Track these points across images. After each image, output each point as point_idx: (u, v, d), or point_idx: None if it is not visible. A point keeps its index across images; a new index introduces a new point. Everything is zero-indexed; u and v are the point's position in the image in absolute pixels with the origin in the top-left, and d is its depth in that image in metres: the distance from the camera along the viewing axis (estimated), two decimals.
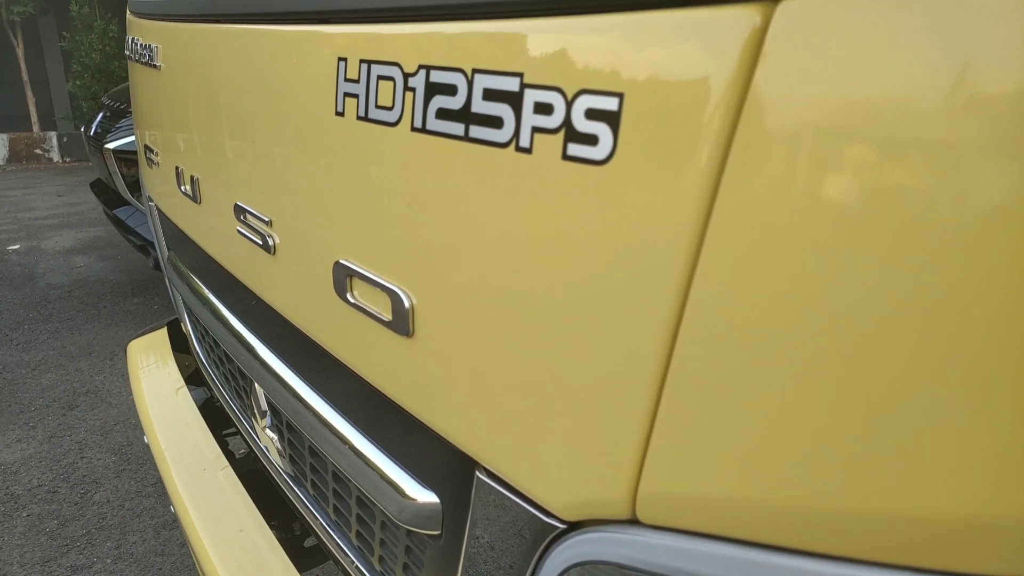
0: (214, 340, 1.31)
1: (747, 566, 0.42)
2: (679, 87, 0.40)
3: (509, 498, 0.58)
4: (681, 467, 0.44)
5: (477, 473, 0.62)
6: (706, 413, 0.42)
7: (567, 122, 0.46)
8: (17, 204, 7.21)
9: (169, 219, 1.35)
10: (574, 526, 0.54)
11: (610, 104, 0.43)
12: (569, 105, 0.45)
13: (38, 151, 10.15)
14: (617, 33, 0.43)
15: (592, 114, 0.44)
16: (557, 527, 0.55)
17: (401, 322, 0.64)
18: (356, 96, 0.64)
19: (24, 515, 2.48)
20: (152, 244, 3.72)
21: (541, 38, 0.48)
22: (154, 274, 4.76)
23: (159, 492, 2.60)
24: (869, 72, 0.33)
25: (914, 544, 0.36)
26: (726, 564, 0.43)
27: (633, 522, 0.49)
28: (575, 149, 0.46)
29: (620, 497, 0.48)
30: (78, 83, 9.51)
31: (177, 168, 1.15)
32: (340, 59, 0.66)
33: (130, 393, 3.27)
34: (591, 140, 0.45)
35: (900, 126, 0.33)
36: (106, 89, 8.82)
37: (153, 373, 1.63)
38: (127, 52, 1.47)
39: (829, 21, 0.34)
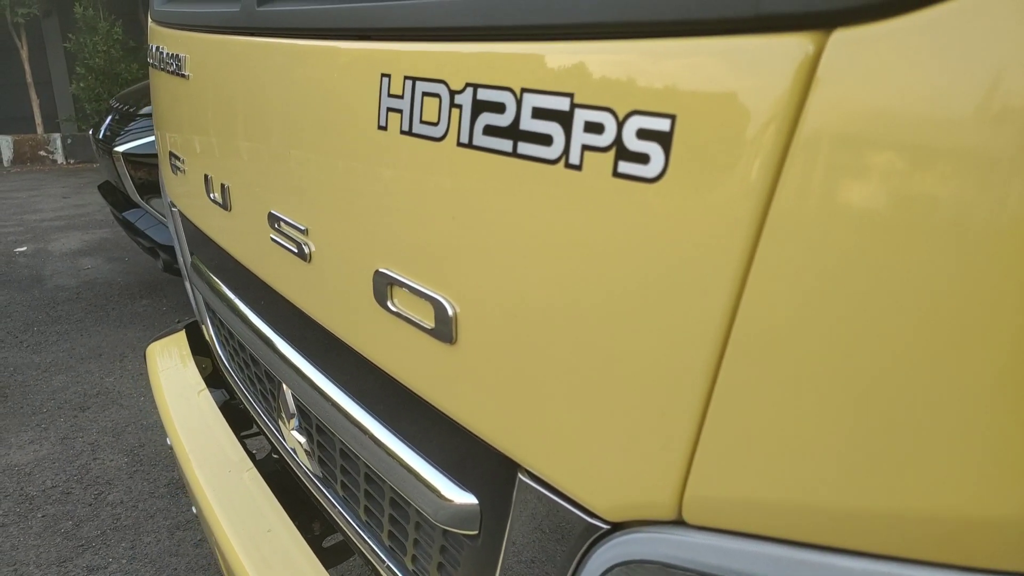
0: (239, 343, 1.33)
1: (795, 566, 0.44)
2: (731, 110, 0.42)
3: (552, 500, 0.60)
4: (730, 469, 0.46)
5: (519, 475, 0.64)
6: (755, 417, 0.44)
7: (618, 141, 0.48)
8: (23, 206, 7.24)
9: (195, 225, 1.37)
10: (617, 527, 0.56)
11: (662, 125, 0.45)
12: (620, 125, 0.48)
13: (42, 153, 10.18)
14: (669, 57, 0.45)
15: (643, 134, 0.46)
16: (601, 528, 0.57)
17: (444, 330, 0.66)
18: (400, 111, 0.66)
19: (39, 516, 2.50)
20: (161, 247, 3.75)
21: (592, 60, 0.50)
22: (162, 276, 4.78)
23: (172, 493, 2.63)
24: (919, 100, 0.35)
25: (967, 542, 0.38)
26: (774, 564, 0.45)
27: (678, 523, 0.51)
28: (626, 167, 0.48)
29: (666, 499, 0.51)
30: (82, 85, 9.55)
31: (206, 176, 1.17)
32: (383, 75, 0.68)
33: (141, 395, 3.31)
34: (642, 159, 0.47)
35: (950, 150, 0.35)
36: (110, 91, 8.86)
37: (173, 376, 1.65)
38: (149, 60, 1.49)
39: (882, 50, 0.36)
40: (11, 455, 2.86)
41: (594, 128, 0.49)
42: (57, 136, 10.32)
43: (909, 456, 0.38)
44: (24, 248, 5.66)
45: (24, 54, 10.19)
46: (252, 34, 0.94)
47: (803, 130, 0.39)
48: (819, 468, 0.42)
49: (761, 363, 0.43)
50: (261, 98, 0.93)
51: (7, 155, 9.97)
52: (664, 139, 0.45)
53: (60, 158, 10.26)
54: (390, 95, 0.67)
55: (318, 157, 0.82)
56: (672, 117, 0.45)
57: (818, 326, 0.41)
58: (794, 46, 0.39)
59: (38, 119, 10.62)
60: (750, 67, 0.41)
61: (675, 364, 0.48)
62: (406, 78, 0.65)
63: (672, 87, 0.45)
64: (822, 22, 0.38)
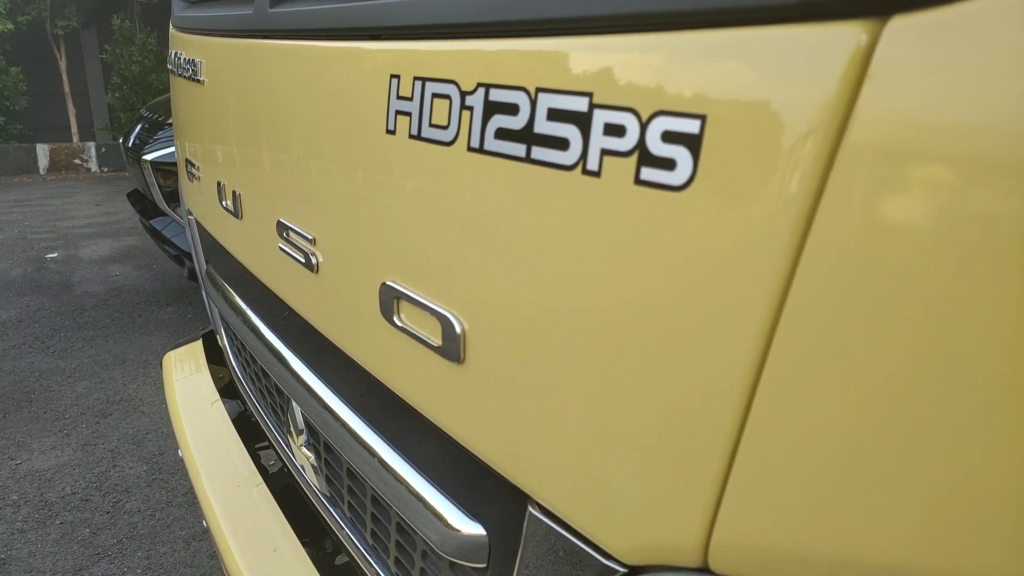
0: (251, 355, 1.30)
1: None
2: (769, 111, 0.37)
3: (565, 537, 0.55)
4: (763, 513, 0.41)
5: (529, 508, 0.59)
6: (793, 455, 0.39)
7: (641, 145, 0.43)
8: (56, 213, 7.36)
9: (209, 233, 1.35)
10: (636, 570, 0.51)
11: (690, 127, 0.40)
12: (644, 127, 0.43)
13: (77, 161, 10.37)
14: (698, 51, 0.41)
15: (669, 137, 0.42)
16: (617, 570, 0.52)
17: (451, 347, 0.62)
18: (409, 114, 0.62)
19: (57, 523, 2.50)
20: (187, 254, 3.77)
21: (612, 57, 0.45)
22: (188, 284, 4.81)
23: (189, 502, 2.61)
24: (997, 100, 0.30)
25: None
26: None
27: (704, 570, 0.46)
28: (649, 173, 0.43)
29: (690, 543, 0.45)
30: (116, 95, 9.75)
31: (219, 183, 1.14)
32: (393, 76, 0.64)
33: (163, 403, 3.30)
34: (668, 164, 0.42)
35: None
36: (143, 101, 9.01)
37: (188, 386, 1.63)
38: (169, 66, 1.47)
39: (953, 40, 0.31)
40: (33, 460, 2.87)
41: (614, 131, 0.45)
42: (92, 145, 10.51)
43: (982, 510, 0.33)
44: (55, 254, 5.74)
45: (63, 65, 10.41)
46: (265, 37, 0.90)
47: (853, 135, 0.34)
48: (863, 517, 0.37)
49: (800, 395, 0.38)
50: (272, 103, 0.90)
51: (43, 163, 10.18)
52: (692, 143, 0.40)
53: (94, 166, 10.44)
54: (399, 97, 0.63)
55: (326, 163, 0.78)
56: (702, 118, 0.40)
57: (866, 356, 0.35)
58: (843, 37, 0.34)
59: (74, 128, 10.84)
60: (791, 61, 0.36)
61: (704, 392, 0.43)
62: (416, 79, 0.61)
63: (702, 85, 0.40)
64: (877, 7, 0.33)
